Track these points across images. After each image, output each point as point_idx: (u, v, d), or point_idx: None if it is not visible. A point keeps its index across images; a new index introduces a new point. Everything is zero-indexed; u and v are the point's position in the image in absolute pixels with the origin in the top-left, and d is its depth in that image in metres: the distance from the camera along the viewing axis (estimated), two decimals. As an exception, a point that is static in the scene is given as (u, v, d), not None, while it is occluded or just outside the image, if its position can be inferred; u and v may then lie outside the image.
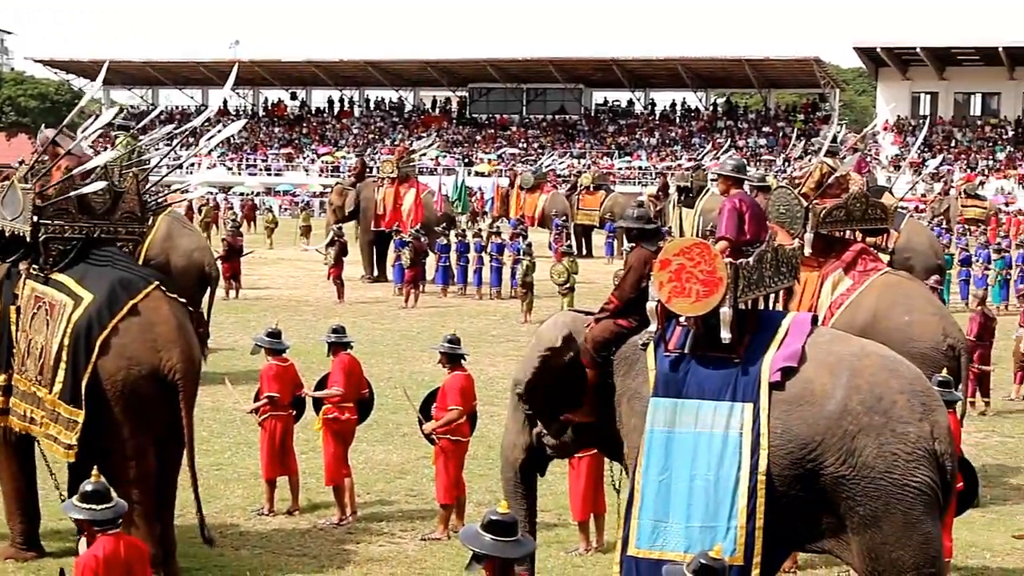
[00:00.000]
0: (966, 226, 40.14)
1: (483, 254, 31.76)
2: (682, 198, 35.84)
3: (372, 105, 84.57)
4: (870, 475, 8.19)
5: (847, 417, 8.29)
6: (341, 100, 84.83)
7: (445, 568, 10.85)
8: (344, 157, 72.08)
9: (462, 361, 12.11)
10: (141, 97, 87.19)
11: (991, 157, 67.15)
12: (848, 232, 13.60)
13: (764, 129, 73.76)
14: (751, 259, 9.02)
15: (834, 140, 14.53)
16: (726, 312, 8.64)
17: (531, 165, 54.33)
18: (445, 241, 31.62)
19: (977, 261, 30.90)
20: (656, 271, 8.84)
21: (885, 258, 19.49)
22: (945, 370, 11.49)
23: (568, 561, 11.16)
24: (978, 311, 18.57)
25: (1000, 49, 66.44)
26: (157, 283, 10.59)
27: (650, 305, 8.93)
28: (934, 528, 8.29)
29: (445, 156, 72.29)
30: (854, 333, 10.56)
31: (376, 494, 13.21)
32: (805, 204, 13.03)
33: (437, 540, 11.65)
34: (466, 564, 6.37)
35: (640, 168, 69.70)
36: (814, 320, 9.10)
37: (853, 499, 8.25)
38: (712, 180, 13.07)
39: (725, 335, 8.63)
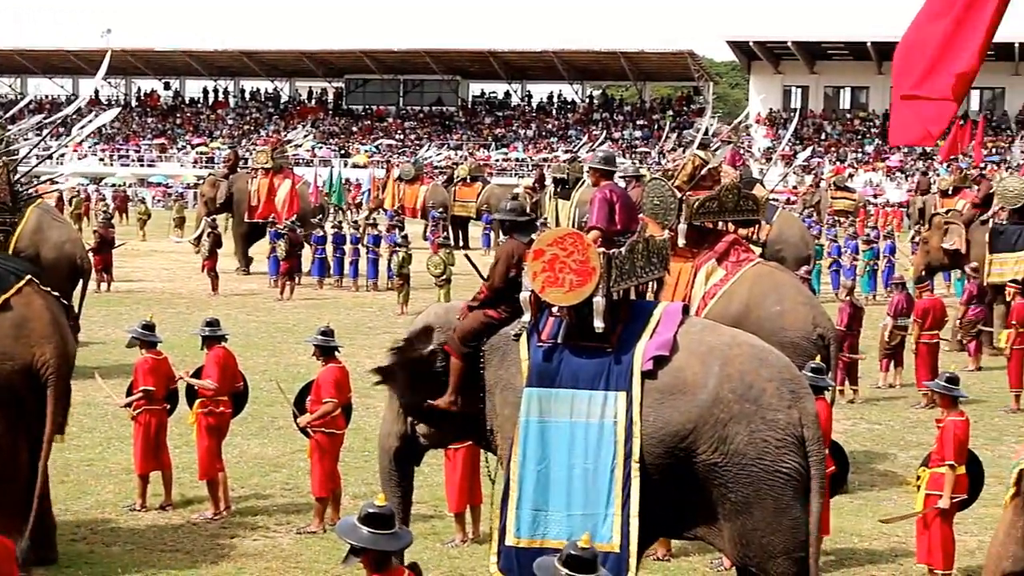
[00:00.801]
0: (836, 218, 40.86)
1: (359, 246, 31.66)
2: (558, 190, 36.01)
3: (247, 96, 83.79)
4: (741, 462, 8.33)
5: (719, 405, 8.40)
6: (215, 90, 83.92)
7: (321, 562, 10.79)
8: (218, 148, 71.26)
9: (336, 353, 12.07)
10: (10, 86, 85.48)
11: (860, 150, 68.45)
12: (721, 223, 13.77)
13: (639, 121, 74.39)
14: (623, 249, 9.09)
15: (707, 133, 14.73)
16: (599, 301, 8.71)
17: (408, 157, 54.23)
18: (321, 233, 31.43)
19: (846, 252, 31.45)
20: (530, 261, 8.88)
21: (757, 250, 19.88)
22: (818, 358, 11.70)
23: (444, 553, 11.16)
24: (847, 301, 18.90)
25: (869, 44, 67.73)
26: (29, 277, 10.39)
27: (523, 295, 8.97)
28: (803, 513, 8.42)
29: (321, 147, 71.83)
30: (727, 323, 10.70)
31: (251, 488, 13.10)
32: (679, 196, 13.17)
33: (313, 533, 11.58)
34: (343, 557, 6.35)
35: (517, 160, 69.90)
36: (685, 310, 9.21)
37: (725, 486, 8.38)
38: (588, 172, 13.31)
39: (598, 324, 8.70)
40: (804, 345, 12.43)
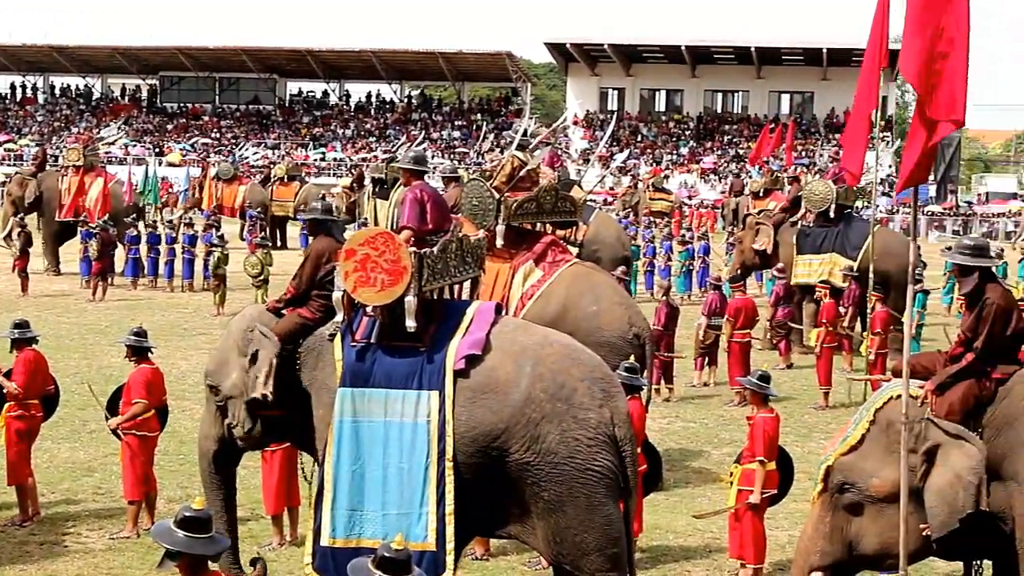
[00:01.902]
0: (652, 218, 41.50)
1: (175, 246, 31.14)
2: (376, 190, 35.76)
3: (57, 92, 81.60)
4: (554, 460, 8.36)
5: (531, 405, 8.43)
6: (24, 86, 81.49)
7: (135, 567, 10.57)
8: (27, 146, 69.28)
9: (149, 354, 11.86)
10: None
11: (675, 152, 69.60)
12: (539, 225, 13.86)
13: (458, 122, 74.50)
14: (435, 248, 9.09)
15: (525, 134, 14.80)
16: (411, 301, 8.70)
17: (224, 156, 53.49)
18: (135, 232, 30.83)
19: (661, 253, 31.95)
20: (342, 261, 8.84)
21: (575, 250, 20.07)
22: (632, 358, 11.84)
23: (262, 556, 11.03)
24: (663, 301, 19.16)
25: (683, 47, 68.98)
26: None
27: (336, 295, 8.93)
28: (615, 510, 8.51)
29: (135, 145, 70.34)
30: (545, 323, 10.78)
31: (61, 493, 12.77)
32: (497, 197, 13.22)
33: (126, 538, 11.35)
34: (158, 562, 6.22)
35: (335, 159, 69.42)
36: (498, 309, 9.24)
37: (538, 484, 8.41)
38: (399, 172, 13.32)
39: (410, 324, 8.69)
40: (620, 345, 12.54)
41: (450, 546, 8.55)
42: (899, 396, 8.13)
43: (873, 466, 8.16)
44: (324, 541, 8.79)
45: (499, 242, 12.94)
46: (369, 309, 8.91)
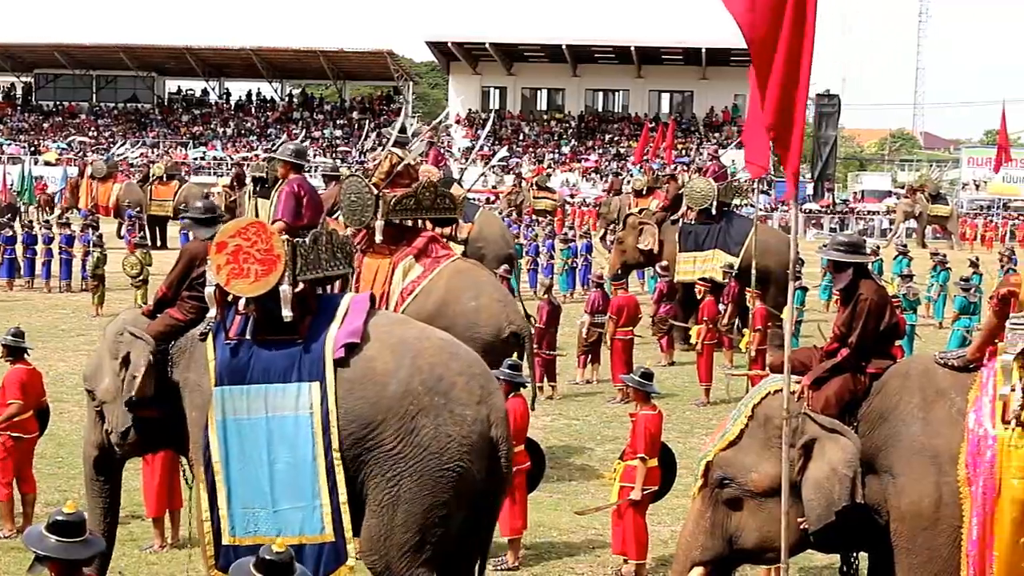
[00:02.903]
0: (534, 217, 41.65)
1: (52, 246, 30.61)
2: (257, 188, 35.51)
3: (-73, 90, 79.79)
4: (422, 455, 8.28)
5: (408, 397, 8.36)
6: None
7: (12, 572, 10.35)
8: (-101, 144, 67.68)
9: (26, 355, 11.67)
10: None
11: (557, 150, 69.89)
12: (419, 221, 13.85)
13: (339, 121, 74.11)
14: (307, 239, 9.02)
15: (403, 131, 14.75)
16: (285, 290, 8.60)
17: (102, 154, 52.63)
18: (10, 232, 30.26)
19: (544, 251, 32.07)
20: (213, 254, 8.71)
21: (460, 248, 20.06)
22: (515, 355, 11.86)
23: (143, 559, 10.90)
24: (545, 299, 19.24)
25: (564, 47, 69.29)
26: None
27: (208, 291, 8.80)
28: (454, 517, 8.39)
29: (10, 144, 68.97)
30: (423, 318, 10.75)
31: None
32: (375, 193, 13.17)
33: (6, 538, 11.16)
34: (28, 566, 6.11)
35: (215, 158, 68.68)
36: (372, 300, 9.18)
37: (399, 476, 8.30)
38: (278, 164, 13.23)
39: (286, 313, 8.58)
40: (496, 343, 12.53)
41: (348, 534, 8.47)
42: (776, 391, 8.23)
43: (752, 461, 8.25)
44: (225, 540, 8.69)
45: (378, 238, 12.92)
46: (241, 306, 8.79)
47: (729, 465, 8.32)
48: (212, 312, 8.84)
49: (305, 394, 8.52)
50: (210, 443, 8.69)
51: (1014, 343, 7.49)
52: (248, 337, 8.74)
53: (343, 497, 8.44)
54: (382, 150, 14.92)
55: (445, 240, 14.06)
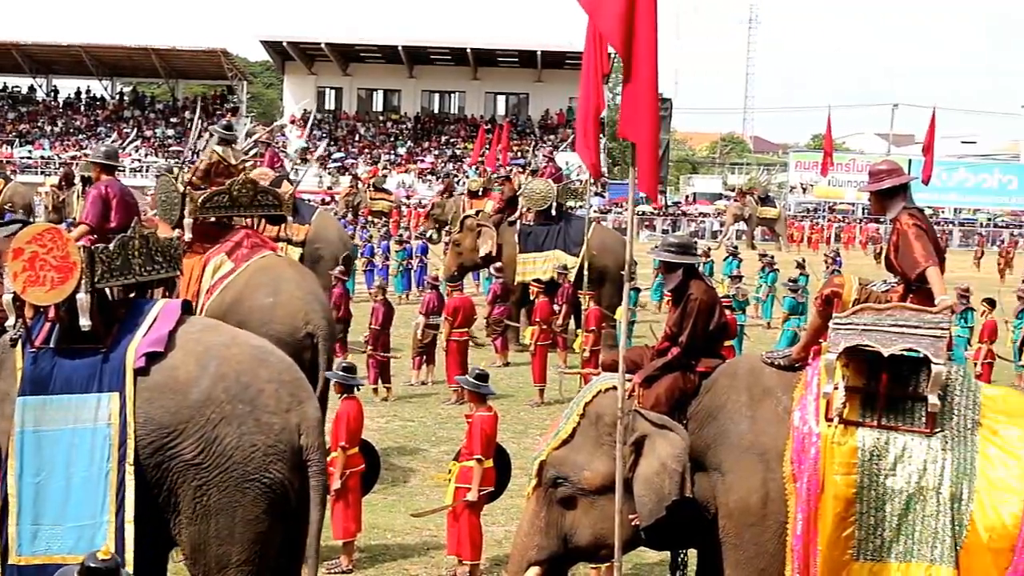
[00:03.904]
0: (370, 218, 41.51)
1: None
2: (85, 188, 34.85)
3: None
4: (225, 465, 8.04)
5: (210, 405, 8.09)
6: None
7: None
8: None
9: None
10: None
11: (393, 151, 69.73)
12: (247, 219, 13.70)
13: (172, 120, 72.95)
14: (111, 245, 8.65)
15: (229, 128, 14.59)
16: (83, 298, 8.24)
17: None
18: None
19: (379, 252, 31.99)
20: (10, 261, 8.32)
21: (297, 250, 19.92)
22: (308, 355, 11.68)
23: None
24: (379, 300, 19.19)
25: (400, 48, 69.20)
26: None
27: (5, 298, 8.42)
28: (271, 528, 8.19)
29: None
30: (220, 314, 10.55)
31: None
32: (181, 191, 12.97)
33: None
34: None
35: (43, 157, 67.05)
36: (186, 308, 8.87)
37: (204, 487, 8.07)
38: (119, 169, 13.04)
39: (84, 323, 8.23)
40: (290, 341, 12.00)
41: (129, 555, 8.08)
42: (607, 389, 8.30)
43: (584, 459, 8.31)
44: (11, 559, 8.25)
45: (187, 236, 12.64)
46: (50, 314, 8.52)
47: (562, 464, 8.37)
48: (10, 321, 8.50)
49: (104, 405, 8.18)
50: (8, 455, 8.33)
51: (837, 343, 7.67)
52: (53, 346, 8.39)
53: (130, 515, 8.09)
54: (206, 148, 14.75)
55: (264, 237, 13.84)
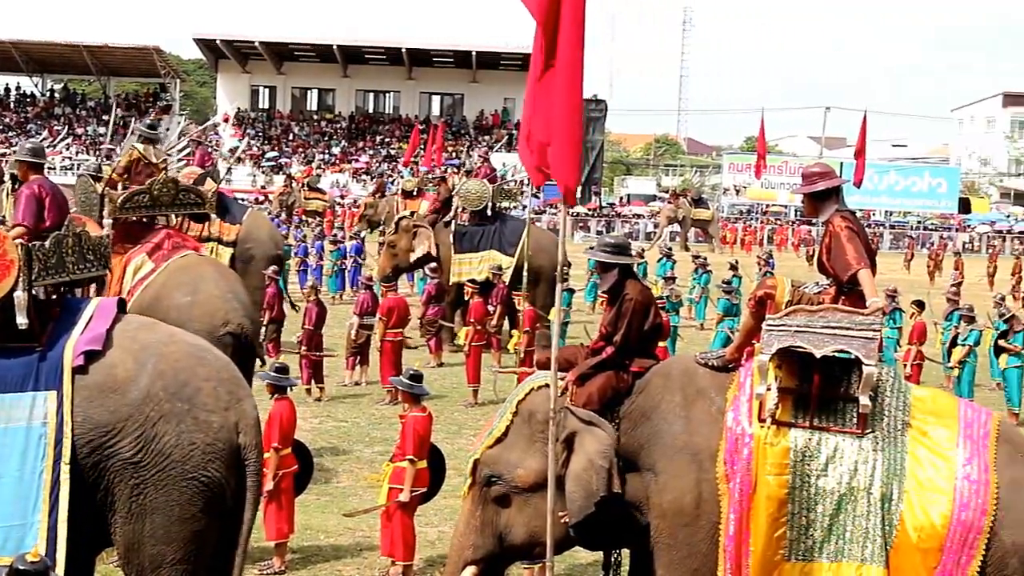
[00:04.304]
0: (304, 218, 41.34)
1: None
2: (15, 186, 34.43)
3: None
4: (164, 463, 7.97)
5: (149, 403, 8.01)
6: None
7: None
8: None
9: None
10: None
11: (327, 151, 69.51)
12: (169, 218, 13.60)
13: (104, 117, 72.26)
14: (47, 243, 8.54)
15: (152, 127, 14.51)
16: (20, 296, 8.11)
17: None
18: None
19: (313, 252, 31.86)
20: None
21: (228, 250, 19.79)
22: (228, 354, 11.60)
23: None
24: (313, 301, 19.11)
25: (335, 47, 69.03)
26: None
27: None
28: (207, 527, 8.11)
29: None
30: (139, 312, 10.43)
31: None
32: (99, 190, 12.85)
33: None
34: None
35: (-29, 154, 66.31)
36: (121, 306, 8.76)
37: (141, 486, 7.97)
38: (48, 168, 12.94)
39: (21, 321, 8.09)
40: (211, 340, 11.83)
41: (60, 556, 7.92)
42: (540, 387, 8.32)
43: (517, 457, 8.31)
44: None
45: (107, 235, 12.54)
46: None
47: (496, 462, 8.37)
48: None
49: (40, 404, 8.05)
50: None
51: (770, 344, 7.72)
52: None
53: (63, 514, 7.95)
54: (153, 148, 14.66)
55: (187, 236, 13.74)
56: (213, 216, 15.40)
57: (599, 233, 55.34)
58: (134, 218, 13.04)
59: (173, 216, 13.97)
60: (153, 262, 12.73)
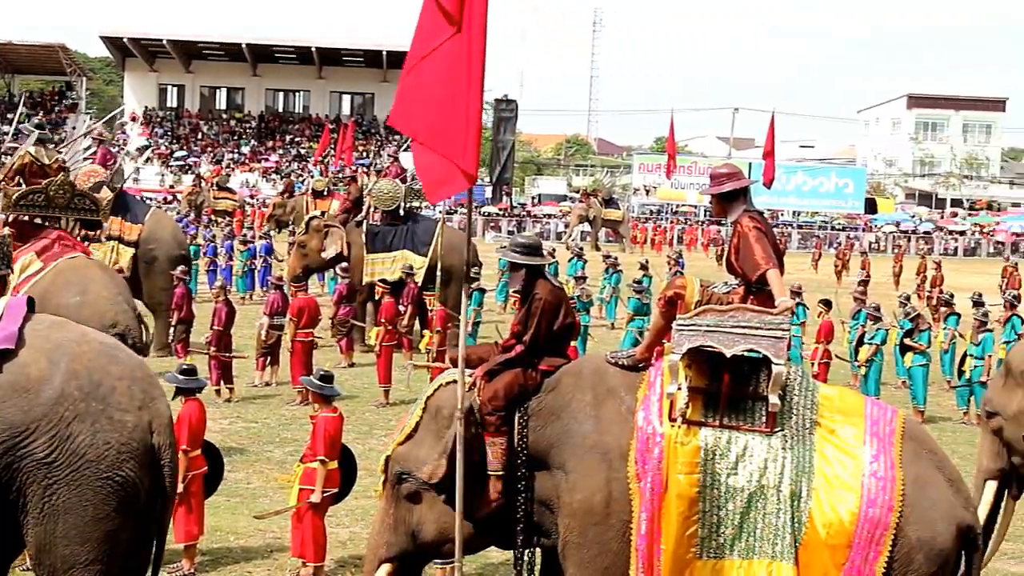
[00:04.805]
0: (213, 217, 41.01)
1: None
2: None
3: None
4: (77, 463, 7.81)
5: (63, 403, 7.86)
6: None
7: None
8: None
9: None
10: None
11: (237, 150, 69.01)
12: (63, 221, 13.49)
13: (8, 116, 71.17)
14: None
15: (40, 127, 14.45)
16: None
17: None
18: None
19: (222, 252, 31.62)
20: None
21: (130, 250, 19.57)
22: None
23: None
24: (222, 301, 18.93)
25: (244, 46, 68.57)
26: None
27: None
28: (121, 527, 7.98)
29: None
30: None
31: None
32: None
33: None
34: None
35: None
36: (31, 305, 8.60)
37: (54, 486, 7.82)
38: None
39: None
40: None
41: None
42: (448, 383, 8.32)
43: (425, 453, 8.30)
44: None
45: None
46: None
47: (406, 459, 8.36)
48: None
49: None
50: None
51: (680, 343, 7.77)
52: None
53: None
54: (55, 147, 14.49)
55: (73, 239, 13.64)
56: (106, 224, 15.26)
57: (510, 233, 55.43)
58: (26, 217, 12.90)
59: (64, 220, 13.82)
60: (42, 261, 12.65)
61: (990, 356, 18.77)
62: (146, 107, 71.01)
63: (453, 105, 7.60)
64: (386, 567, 8.44)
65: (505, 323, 12.13)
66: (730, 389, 7.78)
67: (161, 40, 69.20)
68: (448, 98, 7.62)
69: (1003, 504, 10.07)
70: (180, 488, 10.45)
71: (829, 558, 7.60)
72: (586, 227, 53.25)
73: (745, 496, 7.70)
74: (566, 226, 56.47)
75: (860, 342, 20.16)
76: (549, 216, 65.26)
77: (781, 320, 7.67)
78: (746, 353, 7.66)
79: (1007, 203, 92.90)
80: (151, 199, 50.20)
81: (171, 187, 58.51)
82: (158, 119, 70.66)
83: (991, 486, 10.04)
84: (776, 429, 7.76)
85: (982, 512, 9.48)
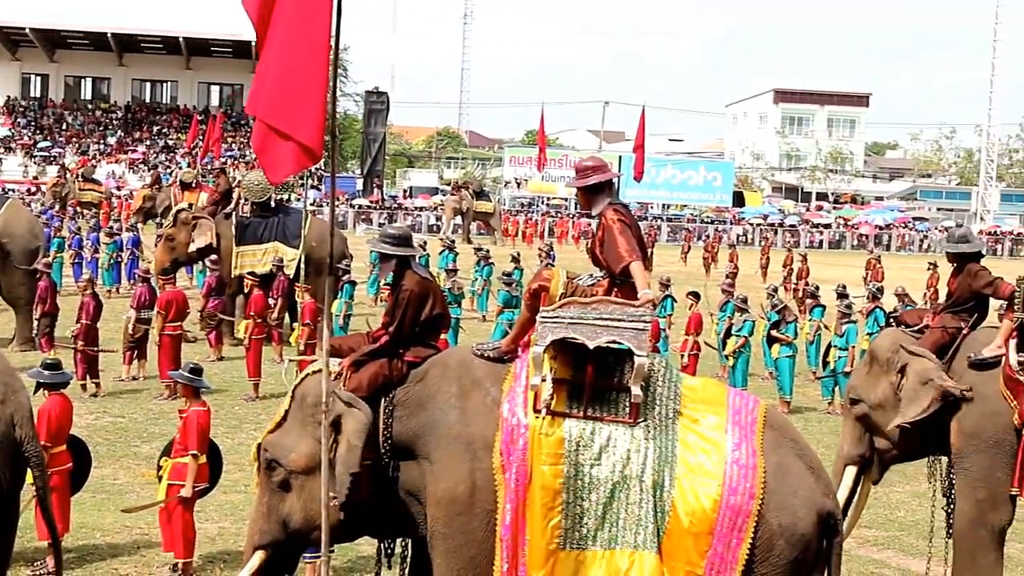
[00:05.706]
0: (79, 209, 40.35)
1: None
2: None
3: None
4: None
5: None
6: None
7: None
8: None
9: None
10: None
11: (103, 141, 67.91)
12: None
13: None
14: None
15: None
16: None
17: None
18: None
19: (88, 244, 31.15)
20: None
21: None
22: None
23: None
24: (89, 294, 18.68)
25: (109, 35, 67.50)
26: None
27: None
28: None
29: None
30: None
31: None
32: None
33: None
34: None
35: None
36: None
37: None
38: None
39: None
40: None
41: None
42: (315, 372, 8.34)
43: (292, 441, 8.30)
44: None
45: None
46: None
47: (274, 447, 8.36)
48: None
49: None
50: None
51: (544, 335, 7.84)
52: None
53: None
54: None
55: None
56: None
57: (381, 225, 55.29)
58: None
59: None
60: None
61: (853, 347, 19.20)
62: (8, 96, 69.57)
63: (295, 79, 7.44)
64: (260, 554, 8.43)
65: (376, 316, 12.14)
66: (594, 380, 7.86)
67: (24, 28, 67.84)
68: (289, 72, 7.50)
69: (859, 489, 10.41)
70: (44, 483, 10.34)
71: (692, 546, 7.72)
72: (458, 220, 53.32)
73: (608, 487, 7.78)
74: (438, 219, 56.49)
75: (728, 333, 20.50)
76: (421, 209, 65.21)
77: (643, 312, 7.76)
78: (609, 345, 7.75)
79: (870, 196, 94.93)
80: (13, 190, 49.28)
81: (35, 178, 57.42)
82: (21, 109, 69.28)
83: (851, 471, 10.39)
84: (639, 420, 7.85)
85: (841, 496, 9.80)
